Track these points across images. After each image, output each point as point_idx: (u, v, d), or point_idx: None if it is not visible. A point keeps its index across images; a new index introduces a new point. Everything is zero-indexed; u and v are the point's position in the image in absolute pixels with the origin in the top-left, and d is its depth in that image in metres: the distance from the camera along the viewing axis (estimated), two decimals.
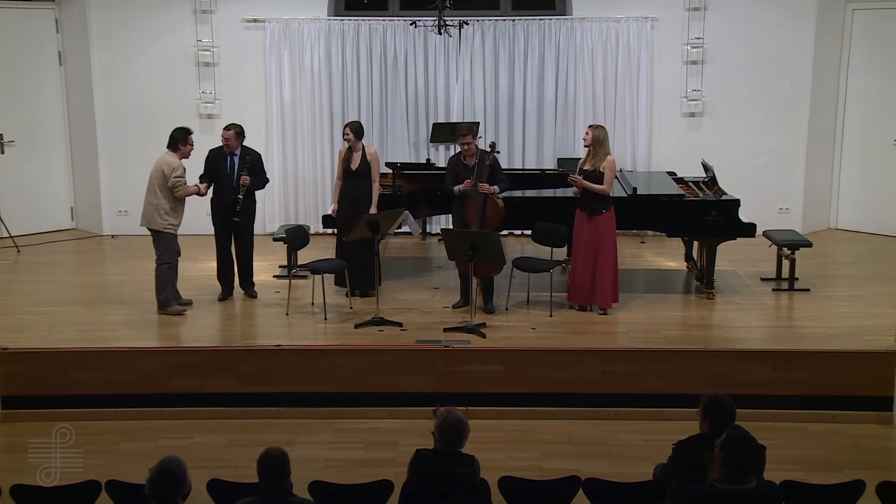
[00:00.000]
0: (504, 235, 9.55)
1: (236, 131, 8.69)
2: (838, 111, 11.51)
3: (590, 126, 8.34)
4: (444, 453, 4.90)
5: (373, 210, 8.60)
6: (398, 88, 11.38)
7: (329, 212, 9.09)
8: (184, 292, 8.76)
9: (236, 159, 8.68)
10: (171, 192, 8.29)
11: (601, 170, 8.13)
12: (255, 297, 8.95)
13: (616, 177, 8.61)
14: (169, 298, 8.48)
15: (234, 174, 8.67)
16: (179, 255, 8.57)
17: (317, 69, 11.33)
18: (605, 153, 8.19)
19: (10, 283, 9.70)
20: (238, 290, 9.02)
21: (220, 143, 8.75)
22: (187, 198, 8.50)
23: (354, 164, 8.69)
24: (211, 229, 8.91)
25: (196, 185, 8.61)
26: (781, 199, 11.39)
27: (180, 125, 8.64)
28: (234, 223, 8.74)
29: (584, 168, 8.25)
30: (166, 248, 8.39)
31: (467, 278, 8.34)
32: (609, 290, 8.37)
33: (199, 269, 9.52)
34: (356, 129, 8.74)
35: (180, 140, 8.38)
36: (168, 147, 8.42)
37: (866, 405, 7.36)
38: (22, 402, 7.41)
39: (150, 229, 8.43)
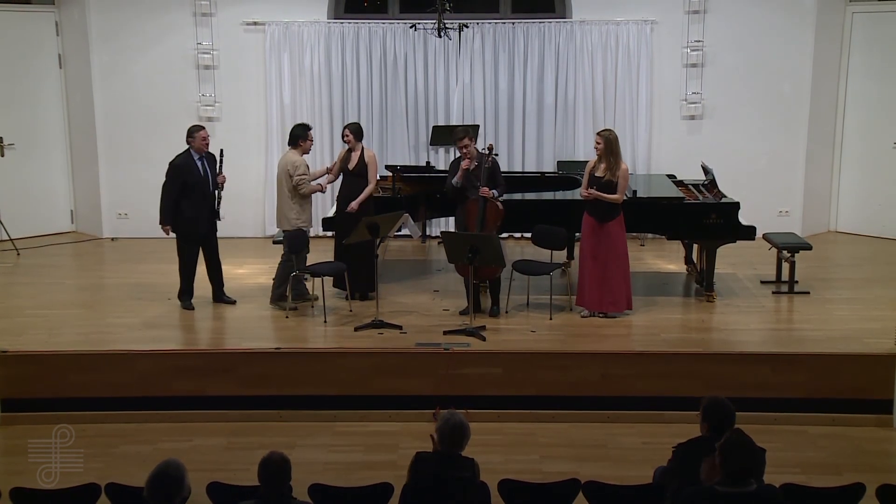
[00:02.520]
0: (504, 238, 9.55)
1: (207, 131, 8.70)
2: (838, 114, 11.51)
3: (599, 133, 8.25)
4: (445, 456, 4.90)
5: (353, 205, 8.60)
6: (398, 91, 11.39)
7: (329, 214, 9.10)
8: (170, 296, 8.78)
9: (204, 162, 8.59)
10: (295, 190, 8.48)
11: (615, 179, 8.11)
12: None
13: None
14: (284, 293, 8.61)
15: (209, 176, 8.59)
16: (308, 252, 8.74)
17: (317, 72, 11.34)
18: (619, 159, 8.16)
19: (9, 285, 9.70)
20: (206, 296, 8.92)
21: (184, 153, 8.58)
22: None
23: (352, 164, 8.71)
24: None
25: (319, 185, 8.77)
26: (781, 202, 11.39)
27: (299, 122, 8.93)
28: (214, 226, 8.71)
29: (597, 175, 8.20)
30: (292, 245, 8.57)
31: (483, 281, 8.37)
32: (622, 295, 8.35)
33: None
34: (355, 131, 8.77)
35: (300, 136, 8.53)
36: (289, 144, 8.63)
37: (866, 408, 7.36)
38: (22, 405, 7.41)
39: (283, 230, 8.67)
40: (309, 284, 8.98)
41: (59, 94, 11.59)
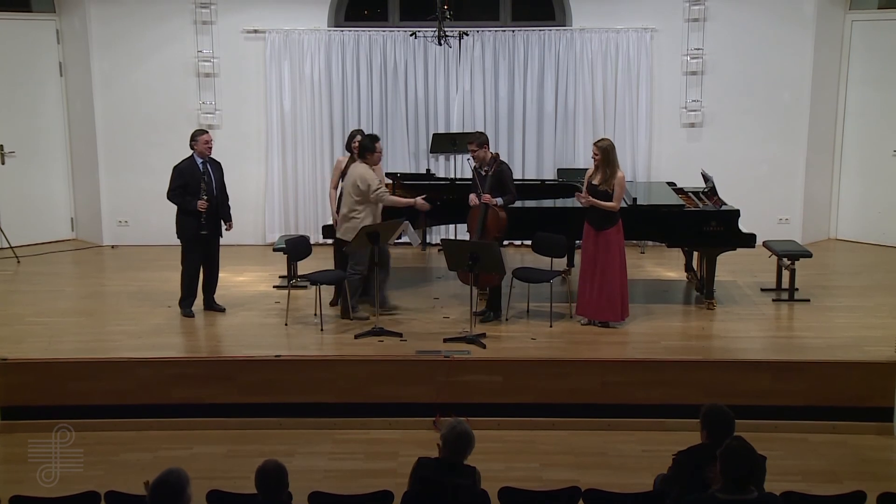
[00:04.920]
0: (504, 246, 9.54)
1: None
2: (838, 121, 11.52)
3: (596, 143, 8.26)
4: (446, 463, 4.89)
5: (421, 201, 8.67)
6: (398, 99, 11.40)
7: (329, 222, 9.11)
8: (170, 304, 8.80)
9: (208, 167, 8.58)
10: (365, 203, 8.32)
11: (611, 189, 8.11)
12: (224, 310, 8.90)
13: None
14: (356, 304, 8.55)
15: (212, 181, 8.60)
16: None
17: (317, 79, 11.35)
18: (615, 169, 8.15)
19: (9, 293, 9.69)
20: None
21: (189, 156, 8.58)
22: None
23: None
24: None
25: (416, 199, 8.56)
26: (781, 210, 11.39)
27: (368, 133, 8.76)
28: (217, 232, 8.70)
29: (593, 183, 8.20)
30: (360, 258, 8.43)
31: (483, 289, 8.41)
32: (618, 304, 8.32)
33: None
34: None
35: (368, 148, 8.38)
36: (358, 157, 8.48)
37: (867, 416, 7.35)
38: (22, 413, 7.40)
39: (345, 240, 8.47)
40: (308, 292, 8.99)
41: (60, 101, 11.60)
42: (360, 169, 8.38)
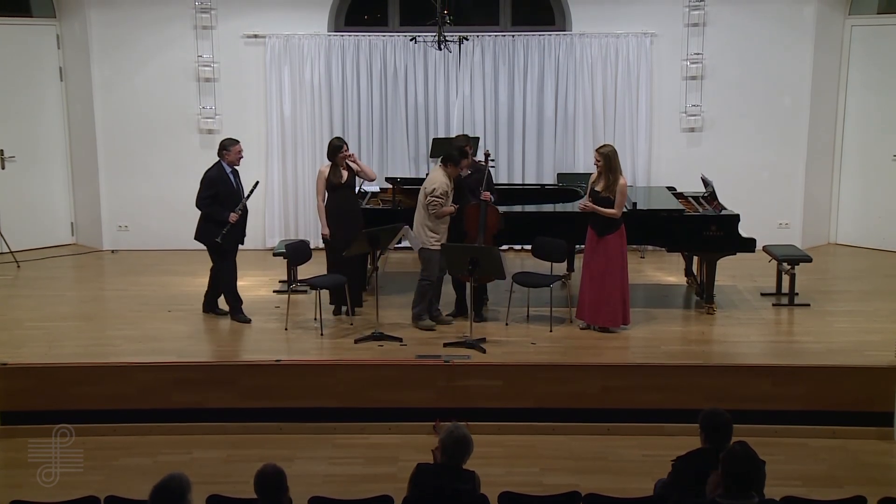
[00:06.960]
0: (504, 250, 9.54)
1: None
2: (837, 126, 11.53)
3: (598, 149, 8.25)
4: (446, 468, 4.89)
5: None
6: (398, 103, 11.40)
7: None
8: (182, 307, 8.77)
9: (234, 175, 8.61)
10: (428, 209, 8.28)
11: (613, 195, 8.10)
12: (227, 314, 8.89)
13: None
14: (421, 312, 8.49)
15: (240, 189, 8.61)
16: (445, 273, 8.51)
17: (317, 84, 11.35)
18: (617, 175, 8.13)
19: (10, 298, 9.69)
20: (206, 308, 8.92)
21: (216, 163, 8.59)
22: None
23: (344, 178, 8.68)
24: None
25: (452, 206, 8.36)
26: (781, 214, 11.40)
27: (458, 139, 8.75)
28: (242, 240, 8.72)
29: (596, 189, 8.21)
30: (429, 264, 8.39)
31: (462, 287, 8.50)
32: (618, 310, 8.32)
33: (198, 284, 9.46)
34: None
35: (450, 159, 8.29)
36: (441, 162, 8.43)
37: (867, 420, 7.35)
38: (22, 418, 7.40)
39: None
40: (308, 297, 8.99)
41: (60, 106, 11.61)
42: (433, 173, 8.41)
